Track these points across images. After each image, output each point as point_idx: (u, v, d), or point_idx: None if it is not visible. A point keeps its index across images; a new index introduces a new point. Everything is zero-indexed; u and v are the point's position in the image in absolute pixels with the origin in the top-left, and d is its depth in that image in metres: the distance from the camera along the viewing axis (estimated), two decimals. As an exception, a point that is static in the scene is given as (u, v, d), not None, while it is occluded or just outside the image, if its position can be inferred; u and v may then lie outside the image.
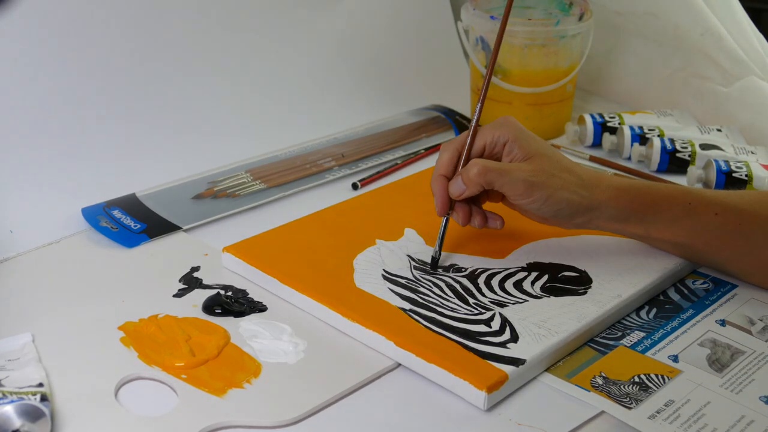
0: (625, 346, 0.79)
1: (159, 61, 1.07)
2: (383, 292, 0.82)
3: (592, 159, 1.13)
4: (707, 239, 0.84)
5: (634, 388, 0.74)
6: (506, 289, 0.83)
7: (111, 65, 1.03)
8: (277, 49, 1.18)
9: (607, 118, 1.16)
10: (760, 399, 0.73)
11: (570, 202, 0.81)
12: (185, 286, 0.85)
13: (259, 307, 0.82)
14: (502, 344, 0.76)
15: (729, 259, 0.85)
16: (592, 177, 0.83)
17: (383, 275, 0.84)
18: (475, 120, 0.86)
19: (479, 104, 0.87)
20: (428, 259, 0.87)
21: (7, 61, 0.96)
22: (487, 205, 0.86)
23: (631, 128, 1.13)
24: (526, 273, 0.86)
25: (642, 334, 0.80)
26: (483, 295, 0.82)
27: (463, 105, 1.24)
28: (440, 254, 0.86)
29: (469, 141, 0.84)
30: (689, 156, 1.09)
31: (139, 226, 0.93)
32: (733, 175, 1.03)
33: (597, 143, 1.16)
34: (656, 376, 0.75)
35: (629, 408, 0.71)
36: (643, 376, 0.75)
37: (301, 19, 1.20)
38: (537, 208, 0.82)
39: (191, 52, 1.10)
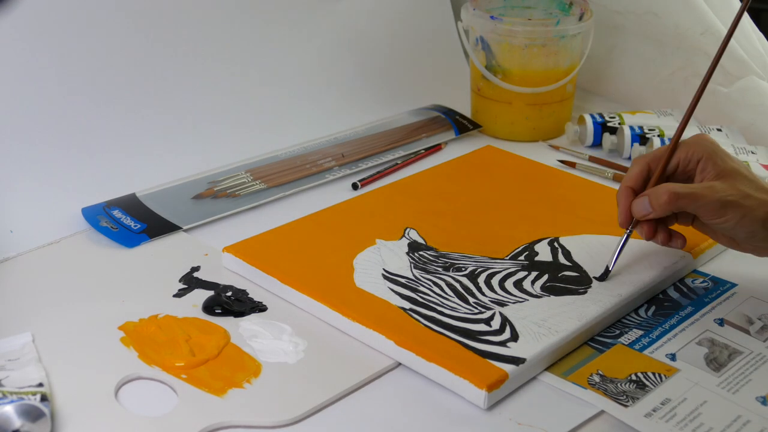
0: (623, 344, 0.79)
1: (159, 62, 1.07)
2: (383, 291, 0.82)
3: (592, 159, 1.13)
4: None
5: (630, 386, 0.74)
6: (506, 289, 0.83)
7: (111, 65, 1.03)
8: (277, 49, 1.18)
9: (607, 118, 1.16)
10: (757, 399, 0.73)
11: (765, 221, 0.78)
12: (185, 286, 0.85)
13: (259, 307, 0.82)
14: (503, 343, 0.76)
15: None
16: None
17: (383, 275, 0.84)
18: (673, 138, 0.84)
19: (682, 122, 0.85)
20: (428, 259, 0.87)
21: (7, 61, 0.96)
22: (675, 227, 0.84)
23: (631, 128, 1.13)
24: (526, 272, 0.86)
25: (640, 332, 0.80)
26: (483, 294, 0.82)
27: (463, 105, 1.24)
28: (613, 267, 0.84)
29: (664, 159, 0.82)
30: (689, 155, 1.09)
31: (139, 226, 0.93)
32: (733, 174, 1.03)
33: (597, 143, 1.16)
34: (653, 374, 0.75)
35: (625, 406, 0.71)
36: (640, 375, 0.75)
37: (301, 19, 1.20)
38: (730, 228, 0.79)
39: (191, 52, 1.10)
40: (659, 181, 0.82)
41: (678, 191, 0.79)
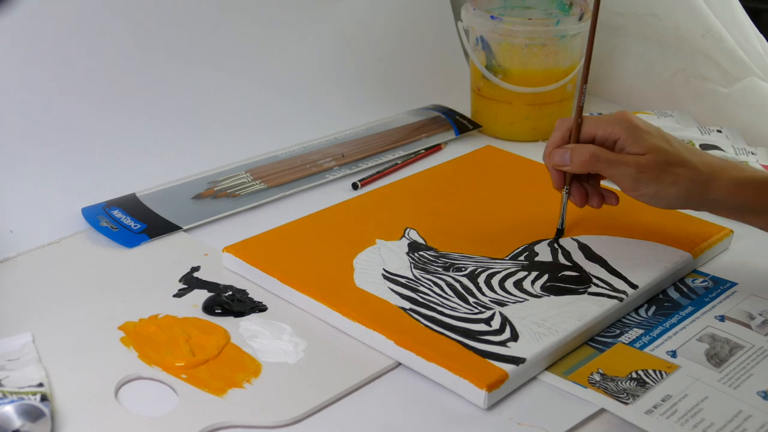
0: (623, 342, 0.79)
1: (159, 61, 1.07)
2: (383, 291, 0.82)
3: (593, 159, 1.12)
4: None
5: (631, 383, 0.74)
6: (506, 288, 0.83)
7: (111, 65, 1.03)
8: (277, 49, 1.18)
9: (607, 118, 1.16)
10: (758, 394, 0.73)
11: (680, 197, 0.82)
12: (185, 286, 0.85)
13: (259, 307, 0.82)
14: (503, 343, 0.76)
15: None
16: (711, 169, 0.82)
17: (383, 275, 0.84)
18: (575, 115, 0.87)
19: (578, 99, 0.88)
20: (428, 259, 0.87)
21: (7, 61, 0.96)
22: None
23: (632, 128, 1.13)
24: (526, 272, 0.86)
25: (640, 331, 0.80)
26: (483, 294, 0.82)
27: (463, 105, 1.24)
28: (563, 228, 0.91)
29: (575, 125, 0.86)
30: (689, 156, 1.08)
31: (139, 226, 0.93)
32: (734, 174, 1.03)
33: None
34: (654, 371, 0.75)
35: (626, 404, 0.71)
36: (640, 372, 0.75)
37: (301, 19, 1.20)
38: (646, 201, 0.83)
39: (191, 52, 1.10)
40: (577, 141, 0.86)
41: (599, 154, 0.83)
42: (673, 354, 0.77)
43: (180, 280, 0.86)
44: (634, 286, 0.84)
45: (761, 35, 1.19)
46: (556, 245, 0.90)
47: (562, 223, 0.91)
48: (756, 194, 0.82)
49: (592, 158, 0.83)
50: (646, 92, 1.28)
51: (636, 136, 0.83)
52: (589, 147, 0.84)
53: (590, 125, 0.85)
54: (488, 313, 0.80)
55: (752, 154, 1.09)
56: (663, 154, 0.82)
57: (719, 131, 1.14)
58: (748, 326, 0.81)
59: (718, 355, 0.77)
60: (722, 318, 0.82)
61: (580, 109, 0.86)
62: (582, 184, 0.88)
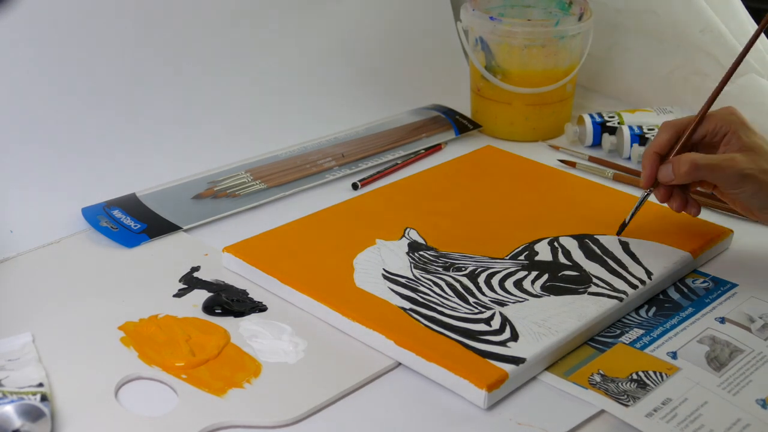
0: (624, 343, 0.79)
1: (159, 61, 1.07)
2: (383, 291, 0.82)
3: (592, 159, 1.13)
4: None
5: (631, 385, 0.74)
6: (506, 288, 0.83)
7: (111, 65, 1.03)
8: (277, 49, 1.18)
9: (606, 118, 1.16)
10: (757, 402, 0.73)
11: None
12: (185, 286, 0.85)
13: (259, 307, 0.82)
14: (503, 343, 0.76)
15: None
16: None
17: (383, 275, 0.84)
18: (701, 111, 0.88)
19: (712, 95, 0.89)
20: (428, 259, 0.87)
21: (7, 61, 0.96)
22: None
23: (631, 128, 1.13)
24: (526, 272, 0.86)
25: (641, 332, 0.80)
26: (483, 294, 0.82)
27: (463, 105, 1.24)
28: (628, 222, 0.91)
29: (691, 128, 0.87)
30: (689, 155, 1.09)
31: (139, 226, 0.93)
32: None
33: (597, 143, 1.16)
34: (654, 373, 0.75)
35: (626, 406, 0.71)
36: (641, 373, 0.75)
37: (301, 19, 1.20)
38: (746, 199, 0.84)
39: (191, 52, 1.10)
40: (683, 150, 0.87)
41: (698, 162, 0.84)
42: (674, 355, 0.77)
43: (180, 280, 0.86)
44: (634, 286, 0.84)
45: (761, 33, 1.19)
46: (556, 244, 0.90)
47: (630, 218, 0.91)
48: None
49: (692, 167, 0.84)
50: (645, 89, 1.28)
51: (744, 129, 0.85)
52: (687, 156, 0.84)
53: (700, 127, 0.87)
54: (488, 313, 0.80)
55: (752, 153, 1.09)
56: (765, 154, 0.83)
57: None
58: (748, 329, 0.81)
59: (718, 358, 0.77)
60: (722, 320, 0.82)
61: (705, 111, 0.87)
62: (677, 189, 0.89)
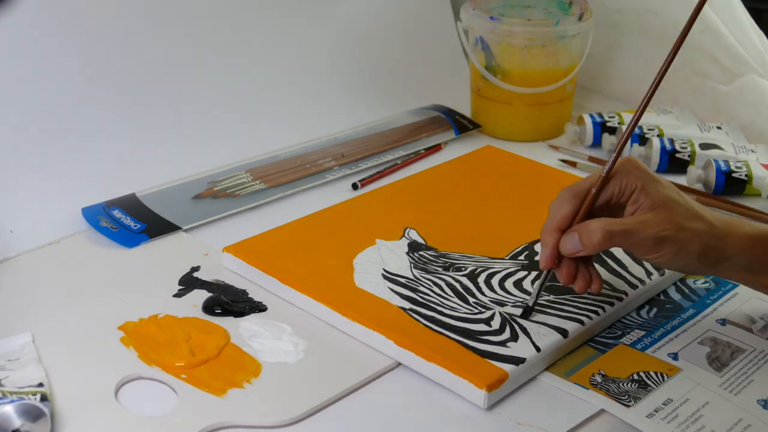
0: (625, 344, 0.79)
1: (159, 61, 1.07)
2: (383, 291, 0.82)
3: (592, 159, 1.13)
4: None
5: (632, 385, 0.74)
6: (506, 288, 0.83)
7: (111, 65, 1.03)
8: (277, 49, 1.18)
9: (606, 118, 1.16)
10: (758, 402, 0.73)
11: (700, 254, 0.75)
12: (185, 286, 0.85)
13: (259, 307, 0.82)
14: (502, 343, 0.76)
15: None
16: (724, 225, 0.76)
17: (383, 275, 0.84)
18: (605, 171, 0.77)
19: (615, 155, 0.77)
20: (428, 259, 0.87)
21: (7, 61, 0.96)
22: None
23: (631, 128, 1.13)
24: (526, 272, 0.86)
25: (642, 333, 0.80)
26: (483, 294, 0.82)
27: (463, 105, 1.24)
28: (533, 306, 0.80)
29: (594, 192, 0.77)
30: (689, 156, 1.09)
31: (139, 226, 0.93)
32: (733, 175, 1.03)
33: (597, 143, 1.16)
34: (655, 374, 0.75)
35: (627, 406, 0.71)
36: (642, 374, 0.75)
37: (301, 19, 1.20)
38: (665, 263, 0.76)
39: (191, 52, 1.10)
40: (587, 214, 0.77)
41: (612, 229, 0.74)
42: (675, 356, 0.77)
43: (180, 281, 0.86)
44: (634, 286, 0.84)
45: (761, 31, 1.19)
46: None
47: (534, 301, 0.79)
48: None
49: (606, 235, 0.74)
50: (645, 89, 1.27)
51: (652, 184, 0.76)
52: (597, 224, 0.74)
53: (605, 188, 0.77)
54: (488, 313, 0.80)
55: (752, 151, 1.09)
56: (677, 208, 0.75)
57: (719, 128, 1.14)
58: (750, 330, 0.81)
59: (719, 359, 0.77)
60: (723, 322, 0.82)
61: (606, 177, 0.77)
62: (574, 261, 0.78)
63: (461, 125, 1.20)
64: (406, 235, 0.91)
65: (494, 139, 1.19)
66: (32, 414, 0.65)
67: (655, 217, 0.74)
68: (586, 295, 0.82)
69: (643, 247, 0.75)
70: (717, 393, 0.73)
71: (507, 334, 0.77)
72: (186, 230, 0.95)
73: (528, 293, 0.83)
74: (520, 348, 0.75)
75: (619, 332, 0.81)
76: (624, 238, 0.74)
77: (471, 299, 0.81)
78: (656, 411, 0.71)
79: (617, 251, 0.89)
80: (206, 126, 1.09)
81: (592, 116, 1.16)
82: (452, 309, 0.80)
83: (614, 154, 0.77)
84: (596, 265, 0.80)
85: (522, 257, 0.88)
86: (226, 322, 0.80)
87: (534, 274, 0.85)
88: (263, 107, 1.14)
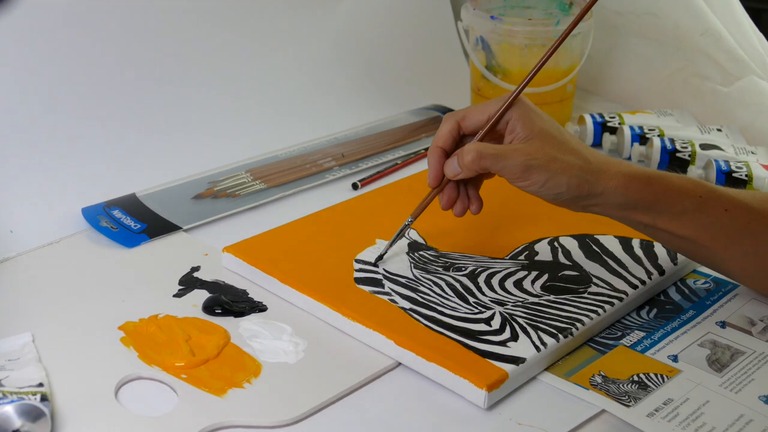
0: (625, 345, 0.79)
1: (159, 62, 1.07)
2: (383, 291, 0.82)
3: (592, 159, 1.12)
4: (714, 234, 0.80)
5: (632, 386, 0.74)
6: (506, 288, 0.83)
7: (111, 65, 1.03)
8: (277, 49, 1.18)
9: (607, 118, 1.16)
10: (760, 398, 0.73)
11: (570, 186, 0.78)
12: (185, 287, 0.85)
13: (259, 307, 0.82)
14: (502, 343, 0.76)
15: (733, 258, 0.81)
16: (600, 161, 0.80)
17: (383, 275, 0.84)
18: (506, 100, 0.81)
19: (517, 89, 0.82)
20: (428, 259, 0.87)
21: (7, 61, 0.96)
22: (487, 183, 0.85)
23: (631, 128, 1.13)
24: (526, 272, 0.86)
25: (642, 334, 0.80)
26: (483, 294, 0.82)
27: (463, 105, 1.24)
28: (412, 221, 0.86)
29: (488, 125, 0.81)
30: (689, 156, 1.09)
31: (139, 226, 0.93)
32: (733, 175, 1.03)
33: (597, 143, 1.16)
34: (655, 375, 0.75)
35: (627, 406, 0.71)
36: (642, 375, 0.75)
37: (301, 19, 1.20)
38: (535, 191, 0.79)
39: (191, 52, 1.10)
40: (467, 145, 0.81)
41: (482, 151, 0.79)
42: (675, 358, 0.77)
43: (180, 281, 0.86)
44: (634, 286, 0.84)
45: (761, 34, 1.19)
46: (556, 244, 0.90)
47: (412, 219, 0.86)
48: (645, 188, 0.79)
49: (476, 157, 0.79)
50: (645, 91, 1.28)
51: (529, 116, 0.80)
52: (471, 146, 0.79)
53: (482, 109, 0.81)
54: (488, 313, 0.80)
55: (752, 153, 1.09)
56: (552, 141, 0.79)
57: (719, 130, 1.14)
58: (749, 332, 0.81)
59: (719, 360, 0.77)
60: (723, 324, 0.82)
61: (507, 102, 0.81)
62: (457, 186, 0.83)
63: (461, 125, 1.19)
64: (406, 235, 0.91)
65: (494, 140, 1.19)
66: (32, 414, 0.65)
67: (527, 147, 0.79)
68: (586, 295, 0.82)
69: (512, 173, 0.78)
70: (717, 392, 0.73)
71: (507, 334, 0.77)
72: (186, 230, 0.95)
73: (528, 293, 0.83)
74: (520, 348, 0.75)
75: (619, 333, 0.81)
76: (493, 161, 0.78)
77: (471, 299, 0.81)
78: (656, 410, 0.71)
79: (617, 251, 0.89)
80: (206, 126, 1.09)
81: (593, 116, 1.16)
82: (452, 309, 0.80)
83: (517, 88, 0.81)
84: (598, 265, 0.81)
85: (522, 257, 0.88)
86: (226, 322, 0.80)
87: (534, 273, 0.85)
88: (263, 107, 1.14)
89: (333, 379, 0.74)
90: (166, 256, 0.90)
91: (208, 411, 0.70)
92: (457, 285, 0.83)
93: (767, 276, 0.82)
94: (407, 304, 0.80)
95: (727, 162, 1.05)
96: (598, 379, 0.74)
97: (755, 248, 0.80)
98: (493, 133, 0.82)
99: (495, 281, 0.84)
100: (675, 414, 0.71)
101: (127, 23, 1.05)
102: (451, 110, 1.22)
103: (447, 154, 0.82)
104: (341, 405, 0.72)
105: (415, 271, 0.85)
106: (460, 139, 0.83)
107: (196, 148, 1.06)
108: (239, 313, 0.81)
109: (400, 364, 0.76)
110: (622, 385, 0.74)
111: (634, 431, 0.70)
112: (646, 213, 0.80)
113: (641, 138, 1.13)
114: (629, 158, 1.13)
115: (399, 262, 0.86)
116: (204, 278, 0.86)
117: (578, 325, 0.78)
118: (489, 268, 0.86)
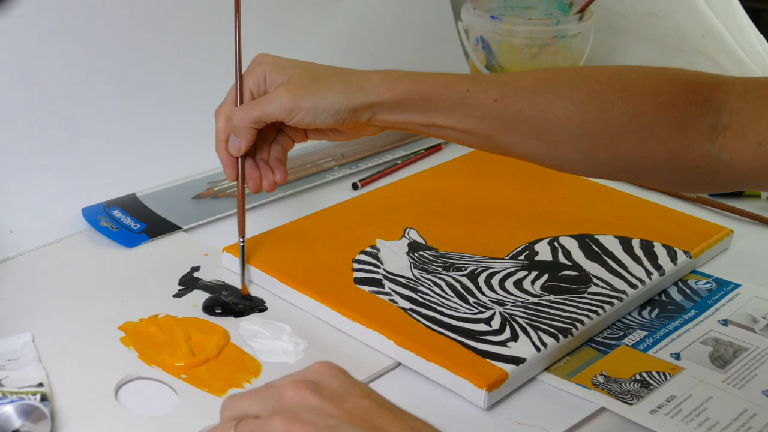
0: (627, 345, 0.79)
1: (159, 61, 1.07)
2: (383, 291, 0.82)
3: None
4: (490, 125, 0.78)
5: (635, 385, 0.74)
6: (506, 288, 0.83)
7: (111, 65, 1.03)
8: (277, 49, 1.17)
9: (607, 118, 1.16)
10: (763, 393, 0.73)
11: (341, 102, 0.78)
12: (185, 287, 0.85)
13: (259, 307, 0.82)
14: (502, 343, 0.76)
15: (517, 144, 0.80)
16: (361, 73, 0.80)
17: (383, 275, 0.84)
18: (237, 73, 0.84)
19: (237, 61, 0.85)
20: (428, 259, 0.87)
21: (7, 61, 0.96)
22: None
23: (632, 128, 1.13)
24: (526, 272, 0.86)
25: (644, 333, 0.80)
26: (483, 294, 0.82)
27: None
28: (244, 240, 0.86)
29: (237, 94, 0.83)
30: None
31: (139, 226, 0.93)
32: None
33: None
34: (658, 373, 0.75)
35: (630, 404, 0.71)
36: (644, 374, 0.75)
37: (301, 19, 1.20)
38: (313, 120, 0.79)
39: (191, 51, 1.10)
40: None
41: (245, 107, 0.80)
42: (677, 356, 0.77)
43: (180, 281, 0.86)
44: (634, 286, 0.84)
45: (761, 35, 1.19)
46: (556, 244, 0.90)
47: (241, 237, 0.86)
48: (411, 86, 0.78)
49: (243, 113, 0.80)
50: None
51: (279, 64, 0.81)
52: (233, 111, 0.81)
53: (240, 86, 0.83)
54: (488, 313, 0.80)
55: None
56: (307, 71, 0.80)
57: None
58: (752, 330, 0.81)
59: (722, 357, 0.77)
60: (725, 322, 0.82)
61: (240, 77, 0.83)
62: (256, 167, 0.85)
63: (461, 126, 1.19)
64: (406, 235, 0.91)
65: (494, 140, 1.19)
66: (32, 414, 0.65)
67: (286, 85, 0.79)
68: (586, 295, 0.82)
69: (283, 110, 0.78)
70: (720, 388, 0.73)
71: (507, 333, 0.77)
72: (186, 230, 0.95)
73: (528, 293, 0.83)
74: (520, 348, 0.75)
75: (621, 333, 0.80)
76: (261, 108, 0.79)
77: (471, 299, 0.81)
78: (659, 407, 0.71)
79: (617, 251, 0.89)
80: (206, 126, 1.08)
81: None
82: (452, 309, 0.80)
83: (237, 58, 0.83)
84: (598, 265, 0.81)
85: (522, 257, 0.88)
86: (226, 322, 0.80)
87: (534, 273, 0.85)
88: (263, 107, 1.14)
89: (333, 379, 0.74)
90: (166, 256, 0.90)
91: (208, 411, 0.70)
92: (457, 285, 0.83)
93: (554, 158, 0.79)
94: (407, 304, 0.80)
95: None
96: (600, 379, 0.74)
97: (532, 133, 0.78)
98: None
99: (495, 281, 0.84)
100: (678, 410, 0.71)
101: (127, 23, 1.05)
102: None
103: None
104: (341, 405, 0.72)
105: (415, 271, 0.85)
106: None
107: (196, 148, 1.06)
108: (239, 313, 0.81)
109: (400, 364, 0.76)
110: (625, 384, 0.74)
111: (634, 429, 0.70)
112: (421, 113, 0.79)
113: (641, 138, 1.12)
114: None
115: (399, 262, 0.86)
116: (204, 278, 0.86)
117: (578, 325, 0.78)
118: (489, 268, 0.86)
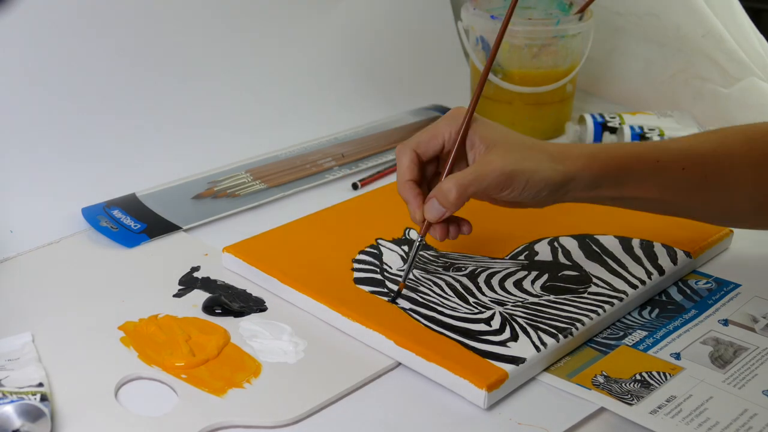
0: (627, 345, 0.79)
1: (159, 61, 1.07)
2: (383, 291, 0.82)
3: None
4: (676, 192, 0.81)
5: (635, 385, 0.74)
6: (506, 288, 0.83)
7: (111, 65, 1.03)
8: (277, 49, 1.18)
9: (607, 118, 1.16)
10: (764, 393, 0.73)
11: (549, 181, 0.76)
12: (185, 287, 0.85)
13: (259, 307, 0.82)
14: (502, 343, 0.76)
15: (696, 207, 0.83)
16: (559, 150, 0.79)
17: (383, 275, 0.84)
18: (465, 124, 0.80)
19: (473, 103, 0.81)
20: (428, 259, 0.87)
21: (7, 61, 0.96)
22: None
23: (632, 128, 1.13)
24: (526, 272, 0.86)
25: (644, 333, 0.80)
26: (483, 294, 0.82)
27: (463, 105, 1.23)
28: (407, 278, 0.81)
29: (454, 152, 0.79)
30: (690, 156, 1.09)
31: (139, 226, 0.93)
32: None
33: (597, 142, 1.16)
34: (658, 373, 0.75)
35: (630, 404, 0.71)
36: (644, 374, 0.75)
37: (301, 19, 1.20)
38: (517, 196, 0.77)
39: (191, 51, 1.10)
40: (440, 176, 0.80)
41: (462, 182, 0.76)
42: (677, 356, 0.77)
43: (180, 281, 0.86)
44: (634, 286, 0.84)
45: (761, 35, 1.19)
46: (556, 244, 0.90)
47: (405, 276, 0.81)
48: (608, 162, 0.78)
49: (461, 189, 0.76)
50: (646, 93, 1.28)
51: (482, 128, 0.79)
52: (448, 183, 0.76)
53: (435, 134, 0.80)
54: (488, 313, 0.80)
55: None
56: (513, 143, 0.78)
57: (719, 131, 1.14)
58: (752, 329, 0.81)
59: (722, 357, 0.77)
60: (726, 322, 0.82)
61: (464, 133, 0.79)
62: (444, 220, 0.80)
63: (461, 126, 1.19)
64: (406, 235, 0.91)
65: (494, 140, 1.19)
66: (32, 414, 0.65)
67: (496, 157, 0.77)
68: (586, 295, 0.82)
69: (497, 187, 0.76)
70: (721, 388, 0.73)
71: (507, 334, 0.77)
72: (186, 230, 0.95)
73: (528, 293, 0.82)
74: (520, 348, 0.75)
75: (621, 333, 0.80)
76: (476, 184, 0.76)
77: (471, 299, 0.81)
78: (659, 407, 0.71)
79: (617, 251, 0.89)
80: (206, 126, 1.09)
81: (593, 116, 1.16)
82: (452, 309, 0.80)
83: (468, 111, 0.79)
84: (598, 265, 0.80)
85: (522, 257, 0.88)
86: (226, 322, 0.80)
87: (534, 273, 0.85)
88: (263, 107, 1.14)
89: (333, 379, 0.74)
90: (166, 256, 0.90)
91: (208, 411, 0.70)
92: (457, 285, 0.83)
93: (729, 218, 0.86)
94: (407, 304, 0.80)
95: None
96: (601, 379, 0.74)
97: (714, 198, 0.82)
98: (449, 154, 0.80)
99: (495, 281, 0.84)
100: (678, 410, 0.71)
101: (127, 23, 1.05)
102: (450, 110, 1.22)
103: (417, 184, 0.80)
104: (341, 405, 0.72)
105: (415, 271, 0.85)
106: (422, 167, 0.81)
107: (196, 148, 1.06)
108: (239, 313, 0.81)
109: (400, 364, 0.76)
110: (625, 384, 0.74)
111: (634, 429, 0.70)
112: (613, 187, 0.79)
113: (641, 137, 1.13)
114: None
115: (399, 262, 0.86)
116: (204, 278, 0.86)
117: (578, 325, 0.78)
118: (489, 268, 0.86)
